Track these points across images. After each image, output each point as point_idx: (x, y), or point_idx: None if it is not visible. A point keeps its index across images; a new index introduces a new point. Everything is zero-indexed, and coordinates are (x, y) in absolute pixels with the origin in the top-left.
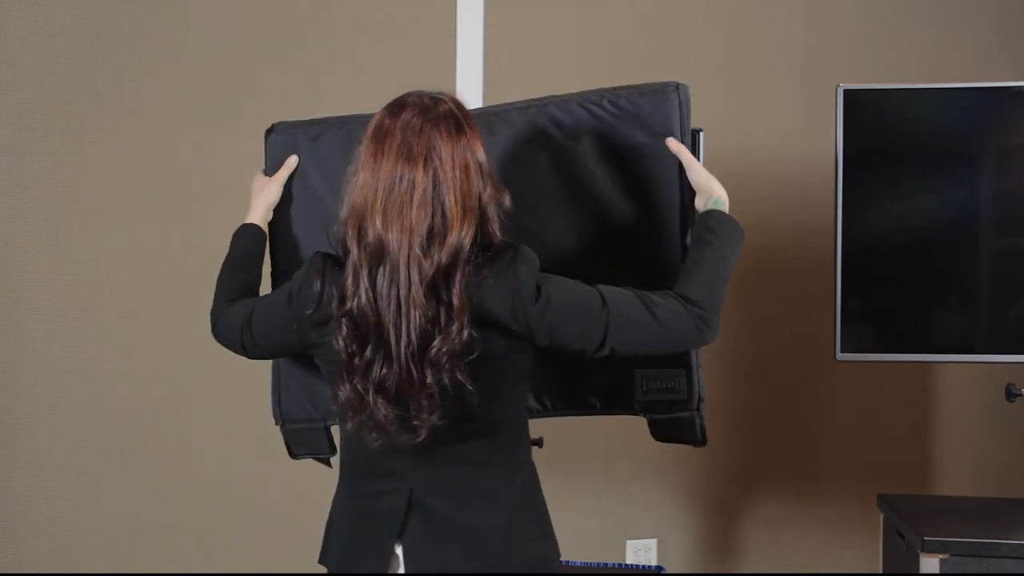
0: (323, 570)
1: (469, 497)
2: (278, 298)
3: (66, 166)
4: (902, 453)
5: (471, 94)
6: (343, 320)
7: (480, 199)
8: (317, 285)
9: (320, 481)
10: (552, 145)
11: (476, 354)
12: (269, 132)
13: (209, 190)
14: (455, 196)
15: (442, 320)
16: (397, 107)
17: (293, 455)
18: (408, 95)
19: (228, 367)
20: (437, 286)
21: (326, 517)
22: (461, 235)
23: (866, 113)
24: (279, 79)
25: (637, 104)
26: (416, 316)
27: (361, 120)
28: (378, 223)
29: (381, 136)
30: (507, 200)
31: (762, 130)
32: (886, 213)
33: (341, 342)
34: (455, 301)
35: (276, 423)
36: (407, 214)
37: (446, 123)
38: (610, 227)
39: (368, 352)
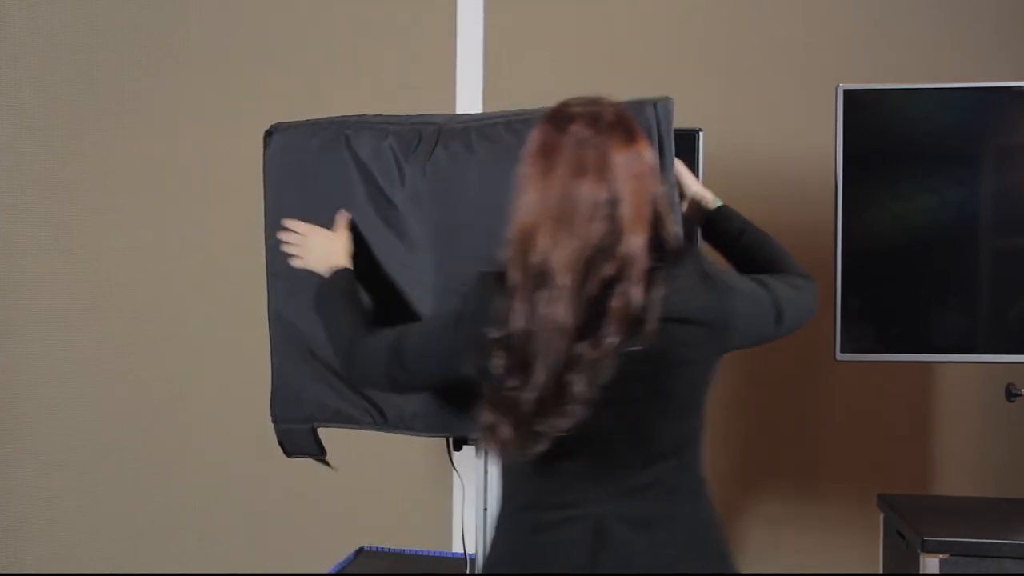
0: (323, 570)
1: (659, 525)
2: (441, 322)
3: (66, 166)
4: (902, 453)
5: (471, 94)
6: (498, 345)
7: (655, 204)
8: (497, 302)
9: (320, 481)
10: (519, 156)
11: (667, 362)
12: (269, 134)
13: (209, 190)
14: (630, 206)
15: (598, 330)
16: (562, 119)
17: (288, 454)
18: (569, 106)
19: (228, 367)
20: (601, 300)
21: (326, 517)
22: (633, 245)
23: (866, 113)
24: (279, 79)
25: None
26: (568, 340)
27: (371, 125)
28: (546, 243)
29: (548, 152)
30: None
31: (762, 130)
32: (886, 213)
33: (494, 368)
34: (615, 313)
35: (272, 421)
36: (579, 230)
37: (617, 132)
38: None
39: (517, 379)
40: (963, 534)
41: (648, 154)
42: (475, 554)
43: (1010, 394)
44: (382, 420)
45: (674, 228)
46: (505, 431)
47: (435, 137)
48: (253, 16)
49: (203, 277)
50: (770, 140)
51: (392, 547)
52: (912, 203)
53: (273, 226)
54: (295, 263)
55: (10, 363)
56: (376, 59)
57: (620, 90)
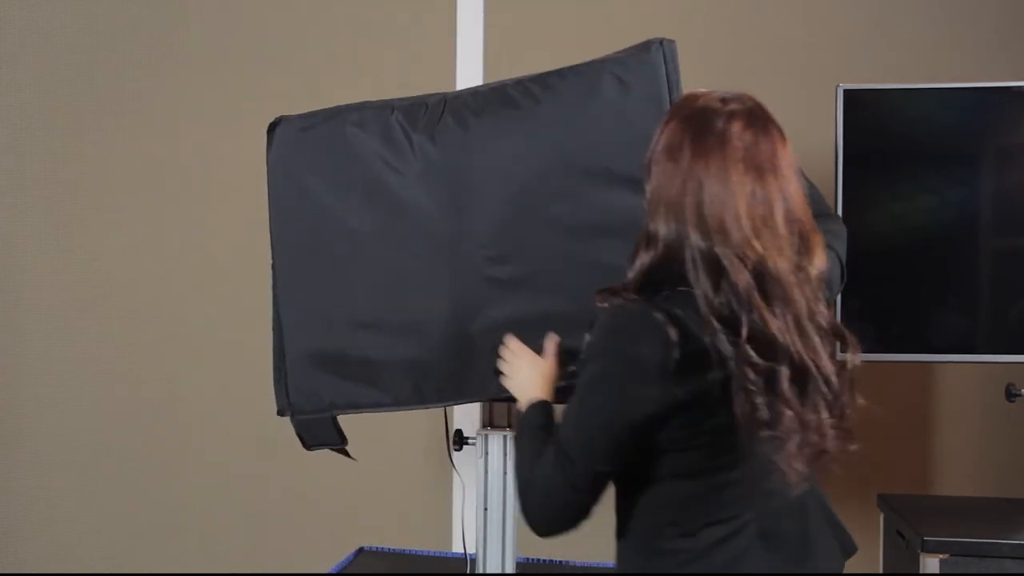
0: (322, 570)
1: (799, 514)
2: (609, 391)
3: (66, 166)
4: (902, 453)
5: None
6: (746, 359)
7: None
8: (673, 334)
9: (320, 481)
10: (536, 120)
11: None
12: (273, 127)
13: (209, 190)
14: (802, 209)
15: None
16: (721, 113)
17: (307, 446)
18: (723, 97)
19: (228, 367)
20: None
21: (326, 517)
22: (817, 259)
23: (866, 113)
24: (279, 79)
25: (625, 64)
26: (818, 340)
27: (374, 105)
28: (757, 247)
29: (720, 142)
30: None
31: None
32: (886, 213)
33: (749, 381)
34: (830, 325)
35: (283, 414)
36: (778, 232)
37: (776, 129)
38: (610, 192)
39: (785, 388)
40: (963, 534)
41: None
42: (475, 554)
43: (1010, 394)
44: (409, 397)
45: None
46: (798, 463)
47: (441, 105)
48: (253, 16)
49: (203, 277)
50: None
51: (392, 547)
52: (912, 203)
53: (277, 219)
54: (502, 380)
55: (10, 363)
56: (376, 59)
57: None
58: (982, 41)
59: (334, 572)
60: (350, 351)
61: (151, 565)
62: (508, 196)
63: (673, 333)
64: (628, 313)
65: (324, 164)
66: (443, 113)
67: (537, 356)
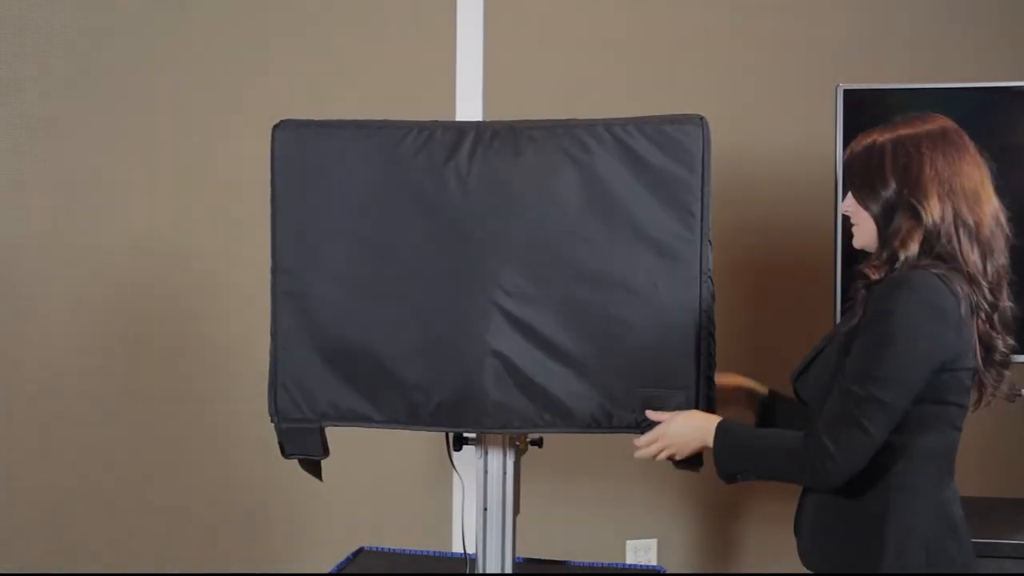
0: (322, 570)
1: None
2: (920, 335)
3: (66, 166)
4: None
5: (471, 94)
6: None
7: None
8: (959, 291)
9: (320, 481)
10: (578, 166)
11: None
12: (276, 128)
13: (209, 190)
14: None
15: None
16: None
17: (285, 454)
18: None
19: (228, 367)
20: None
21: (326, 517)
22: None
23: (866, 113)
24: (279, 79)
25: (663, 132)
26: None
27: (377, 125)
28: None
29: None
30: None
31: (762, 130)
32: None
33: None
34: None
35: (271, 420)
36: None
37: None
38: (633, 248)
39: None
40: None
41: None
42: (475, 554)
43: (1010, 394)
44: (404, 418)
45: None
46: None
47: (475, 136)
48: (253, 16)
49: (203, 277)
50: (770, 140)
51: (392, 547)
52: None
53: (282, 221)
54: (678, 456)
55: (10, 363)
56: (376, 59)
57: (620, 89)
58: (982, 41)
59: (334, 572)
60: (352, 363)
61: (151, 565)
62: (536, 232)
63: (959, 290)
64: (923, 275)
65: (343, 176)
66: (478, 144)
67: (676, 415)
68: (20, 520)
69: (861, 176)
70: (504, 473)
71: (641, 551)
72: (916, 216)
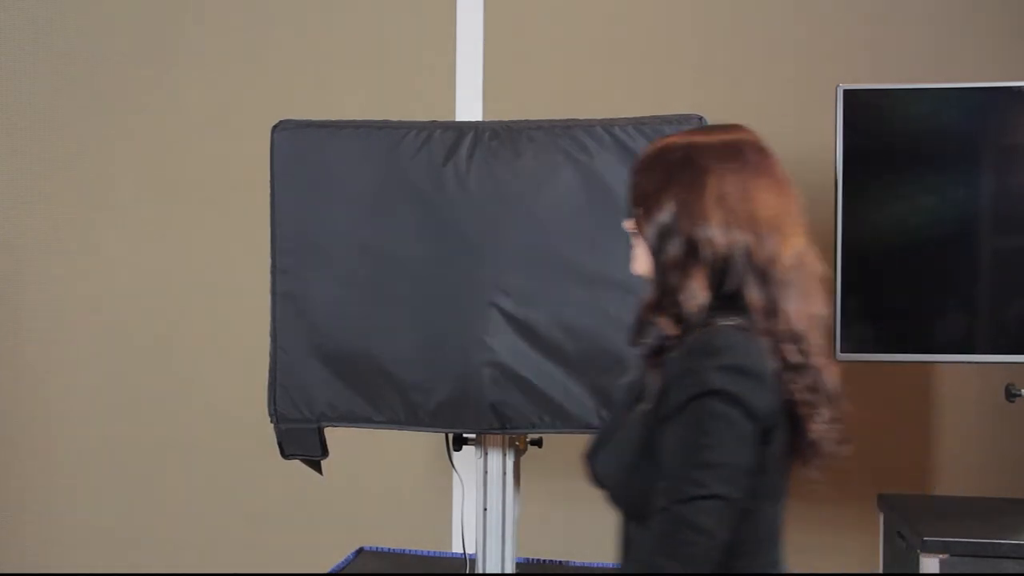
0: (322, 570)
1: None
2: (740, 425)
3: (66, 166)
4: (902, 453)
5: (471, 94)
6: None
7: None
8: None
9: (320, 481)
10: (577, 167)
11: None
12: (275, 129)
13: (209, 190)
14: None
15: None
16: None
17: (285, 455)
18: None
19: (228, 367)
20: None
21: (326, 517)
22: None
23: (866, 113)
24: (279, 79)
25: (661, 132)
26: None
27: (377, 125)
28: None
29: (771, 169)
30: None
31: (762, 130)
32: (886, 213)
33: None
34: None
35: (271, 421)
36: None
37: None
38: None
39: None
40: (963, 534)
41: None
42: (475, 554)
43: (1010, 394)
44: (403, 418)
45: None
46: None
47: (474, 136)
48: (253, 16)
49: (204, 277)
50: (770, 140)
51: (392, 547)
52: (912, 203)
53: (281, 222)
54: None
55: (10, 363)
56: (376, 60)
57: (620, 89)
58: (982, 41)
59: (334, 572)
60: (351, 363)
61: (151, 565)
62: (535, 233)
63: (763, 345)
64: (727, 335)
65: (342, 176)
66: (476, 145)
67: None
68: (20, 520)
69: (637, 191)
70: (504, 473)
71: None
72: (693, 247)
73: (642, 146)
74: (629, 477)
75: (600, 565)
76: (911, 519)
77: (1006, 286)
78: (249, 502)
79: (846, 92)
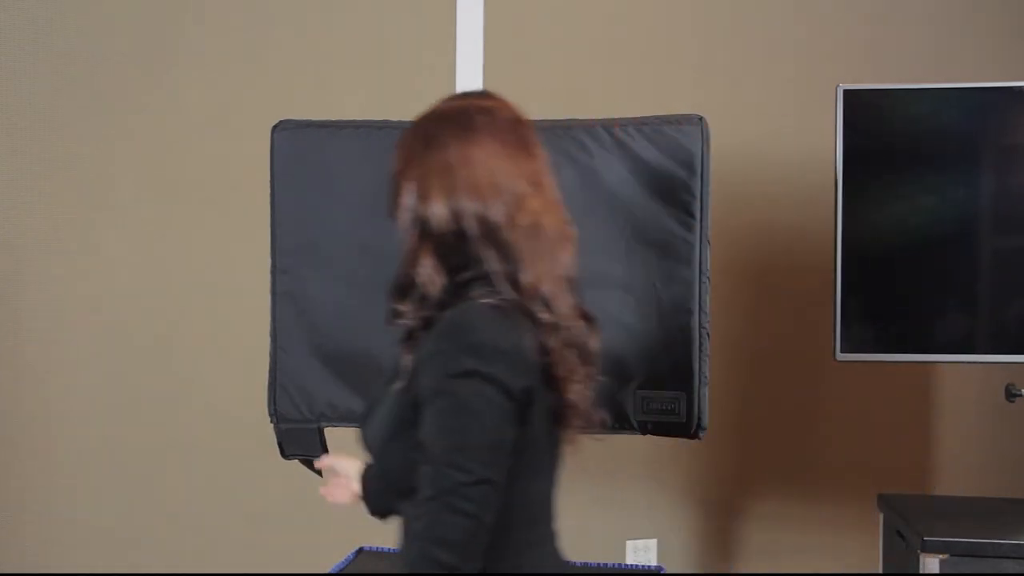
0: (322, 570)
1: None
2: (496, 404)
3: (66, 166)
4: (902, 453)
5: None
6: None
7: None
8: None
9: (320, 481)
10: (577, 167)
11: None
12: (275, 129)
13: (209, 190)
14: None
15: None
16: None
17: (285, 455)
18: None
19: (228, 367)
20: None
21: (326, 517)
22: None
23: (866, 113)
24: (279, 79)
25: (662, 132)
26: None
27: (377, 125)
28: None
29: (498, 130)
30: None
31: (762, 130)
32: (886, 213)
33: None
34: None
35: (271, 421)
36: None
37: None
38: (633, 249)
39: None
40: (963, 534)
41: None
42: None
43: (1010, 394)
44: None
45: None
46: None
47: None
48: (253, 16)
49: (203, 277)
50: (770, 140)
51: (392, 547)
52: (912, 203)
53: (281, 221)
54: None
55: (10, 363)
56: (376, 59)
57: (620, 89)
58: (982, 41)
59: (334, 572)
60: (350, 363)
61: (151, 565)
62: None
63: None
64: (472, 309)
65: (343, 176)
66: None
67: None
68: (20, 520)
69: (390, 177)
70: None
71: (641, 551)
72: (423, 225)
73: (642, 146)
74: (385, 451)
75: (600, 565)
76: (911, 519)
77: (1006, 286)
78: (249, 502)
79: (846, 92)
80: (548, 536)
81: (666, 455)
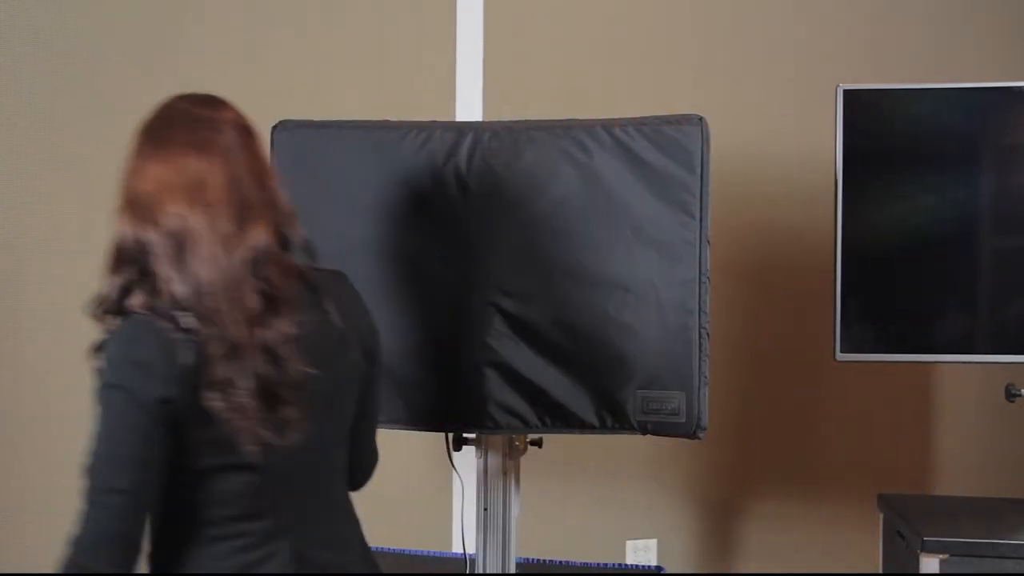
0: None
1: (349, 546)
2: (128, 415)
3: (66, 166)
4: (902, 453)
5: (471, 94)
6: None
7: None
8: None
9: None
10: (577, 167)
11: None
12: (275, 129)
13: None
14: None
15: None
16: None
17: None
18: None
19: None
20: None
21: None
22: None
23: (866, 113)
24: (279, 79)
25: (662, 132)
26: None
27: (377, 125)
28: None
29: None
30: None
31: (762, 130)
32: (886, 213)
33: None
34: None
35: None
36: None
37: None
38: (632, 249)
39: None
40: (963, 534)
41: None
42: (475, 554)
43: (1010, 394)
44: (403, 418)
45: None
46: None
47: (474, 137)
48: (253, 16)
49: None
50: (770, 140)
51: (392, 547)
52: (912, 203)
53: None
54: None
55: (10, 363)
56: (376, 59)
57: (620, 89)
58: (982, 41)
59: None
60: None
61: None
62: (535, 233)
63: (172, 325)
64: (128, 323)
65: (344, 176)
66: (476, 145)
67: None
68: (20, 520)
69: None
70: (504, 473)
71: (641, 551)
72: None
73: (642, 146)
74: None
75: (600, 565)
76: (911, 519)
77: (1006, 286)
78: None
79: (846, 92)
80: (236, 534)
81: (666, 455)
